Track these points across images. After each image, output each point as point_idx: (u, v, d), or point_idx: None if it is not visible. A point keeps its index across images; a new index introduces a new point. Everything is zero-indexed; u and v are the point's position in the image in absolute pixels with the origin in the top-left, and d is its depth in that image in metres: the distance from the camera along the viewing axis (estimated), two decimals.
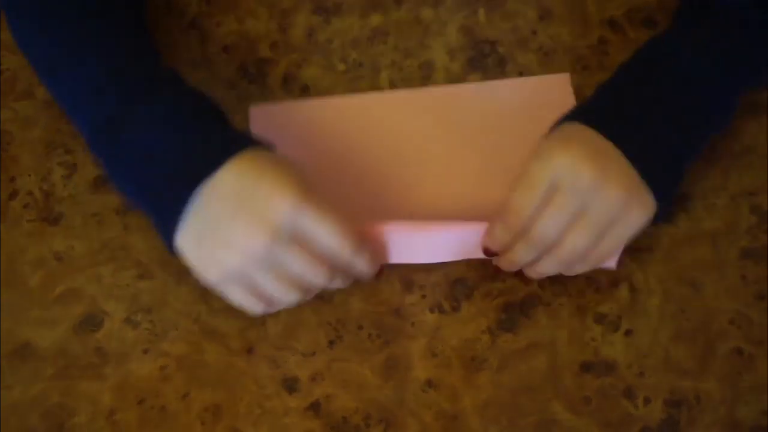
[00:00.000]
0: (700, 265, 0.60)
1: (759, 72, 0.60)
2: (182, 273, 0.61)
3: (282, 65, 0.68)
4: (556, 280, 0.59)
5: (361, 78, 0.67)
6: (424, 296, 0.60)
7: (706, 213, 0.61)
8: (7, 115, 0.67)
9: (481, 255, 0.58)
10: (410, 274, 0.60)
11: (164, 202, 0.54)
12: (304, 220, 0.52)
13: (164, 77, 0.57)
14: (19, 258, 0.62)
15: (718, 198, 0.62)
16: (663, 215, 0.56)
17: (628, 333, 0.58)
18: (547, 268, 0.56)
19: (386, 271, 0.60)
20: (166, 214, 0.54)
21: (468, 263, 0.60)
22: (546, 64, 0.67)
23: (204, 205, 0.53)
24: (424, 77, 0.67)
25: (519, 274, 0.60)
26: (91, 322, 0.60)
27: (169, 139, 0.54)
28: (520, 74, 0.67)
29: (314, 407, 0.57)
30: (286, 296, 0.54)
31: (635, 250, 0.60)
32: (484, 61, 0.67)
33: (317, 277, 0.54)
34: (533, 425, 0.56)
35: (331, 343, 0.59)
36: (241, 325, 0.59)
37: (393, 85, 0.67)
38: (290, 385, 0.57)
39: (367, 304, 0.60)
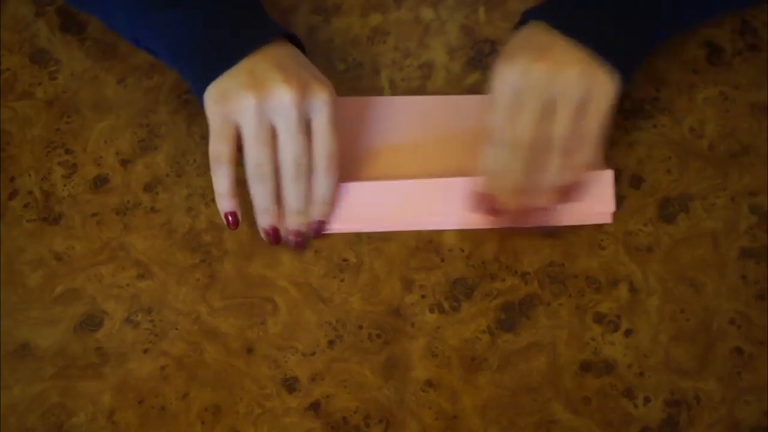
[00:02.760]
0: (700, 265, 0.60)
1: None
2: (182, 273, 0.61)
3: None
4: (556, 280, 0.59)
5: (361, 78, 0.67)
6: (424, 296, 0.60)
7: (706, 213, 0.61)
8: (6, 114, 0.67)
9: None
10: (410, 274, 0.60)
11: (204, 70, 0.59)
12: (323, 116, 0.58)
13: None
14: (19, 258, 0.62)
15: (718, 198, 0.62)
16: (627, 81, 0.58)
17: (628, 333, 0.58)
18: (550, 173, 0.57)
19: (386, 270, 0.60)
20: (203, 77, 0.58)
21: (468, 263, 0.60)
22: None
23: (254, 59, 0.58)
24: (424, 77, 0.67)
25: (519, 274, 0.60)
26: (91, 322, 0.60)
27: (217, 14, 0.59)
28: None
29: (314, 407, 0.57)
30: (259, 172, 0.58)
31: (635, 249, 0.60)
32: (484, 60, 0.67)
33: (295, 165, 0.58)
34: (533, 425, 0.56)
35: (331, 343, 0.59)
36: (241, 325, 0.59)
37: (393, 85, 0.67)
38: (290, 385, 0.57)
39: (367, 304, 0.60)
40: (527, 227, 0.60)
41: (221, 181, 0.58)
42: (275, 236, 0.60)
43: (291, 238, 0.60)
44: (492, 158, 0.58)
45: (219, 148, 0.57)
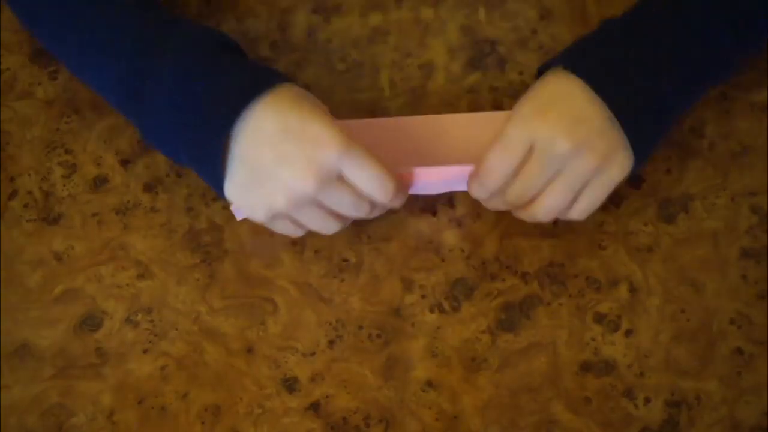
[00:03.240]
0: (700, 265, 0.60)
1: (760, 33, 0.60)
2: (182, 273, 0.61)
3: (282, 65, 0.68)
4: (556, 280, 0.59)
5: (361, 78, 0.67)
6: (424, 296, 0.60)
7: (706, 213, 0.61)
8: (6, 114, 0.67)
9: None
10: (410, 274, 0.60)
11: (204, 154, 0.55)
12: (350, 165, 0.53)
13: (175, 25, 0.58)
14: (19, 258, 0.62)
15: (718, 198, 0.62)
16: (638, 168, 0.57)
17: (628, 333, 0.58)
18: (522, 216, 0.59)
19: (386, 270, 0.60)
20: (209, 167, 0.55)
21: (468, 263, 0.60)
22: None
23: (247, 151, 0.54)
24: (424, 77, 0.67)
25: (519, 274, 0.60)
26: (91, 322, 0.60)
27: (193, 90, 0.55)
28: (520, 74, 0.67)
29: (314, 407, 0.57)
30: (327, 227, 0.57)
31: (635, 249, 0.60)
32: (485, 60, 0.67)
33: (359, 212, 0.56)
34: (533, 425, 0.56)
35: (331, 343, 0.59)
36: (241, 325, 0.59)
37: (393, 85, 0.67)
38: (290, 385, 0.57)
39: (367, 304, 0.60)
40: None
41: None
42: None
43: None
44: (476, 193, 0.58)
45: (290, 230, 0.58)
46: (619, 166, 0.56)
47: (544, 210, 0.56)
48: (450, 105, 0.66)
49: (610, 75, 0.56)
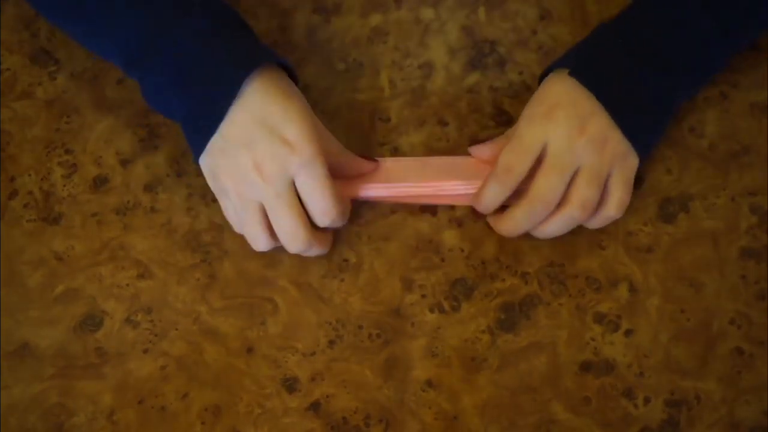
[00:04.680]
0: (700, 265, 0.60)
1: (749, 32, 0.62)
2: (182, 273, 0.61)
3: None
4: (556, 280, 0.59)
5: (361, 78, 0.67)
6: (424, 296, 0.60)
7: (706, 213, 0.61)
8: (6, 114, 0.67)
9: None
10: (410, 274, 0.60)
11: (199, 122, 0.57)
12: (306, 177, 0.55)
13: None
14: (19, 258, 0.62)
15: (718, 198, 0.62)
16: (640, 166, 0.59)
17: (628, 333, 0.58)
18: (556, 227, 0.58)
19: (386, 270, 0.60)
20: (201, 132, 0.57)
21: (468, 263, 0.60)
22: (546, 63, 0.67)
23: (228, 127, 0.56)
24: (424, 77, 0.67)
25: (519, 274, 0.60)
26: (91, 322, 0.60)
27: (203, 52, 0.57)
28: (520, 74, 0.67)
29: (314, 407, 0.57)
30: (257, 237, 0.58)
31: (635, 249, 0.60)
32: (484, 60, 0.67)
33: (293, 237, 0.57)
34: (533, 425, 0.56)
35: (331, 343, 0.59)
36: (241, 325, 0.59)
37: (393, 85, 0.67)
38: (290, 385, 0.57)
39: (367, 304, 0.60)
40: None
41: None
42: None
43: None
44: (493, 195, 0.58)
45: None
46: (633, 158, 0.58)
47: (578, 203, 0.56)
48: (450, 105, 0.66)
49: (609, 82, 0.58)
